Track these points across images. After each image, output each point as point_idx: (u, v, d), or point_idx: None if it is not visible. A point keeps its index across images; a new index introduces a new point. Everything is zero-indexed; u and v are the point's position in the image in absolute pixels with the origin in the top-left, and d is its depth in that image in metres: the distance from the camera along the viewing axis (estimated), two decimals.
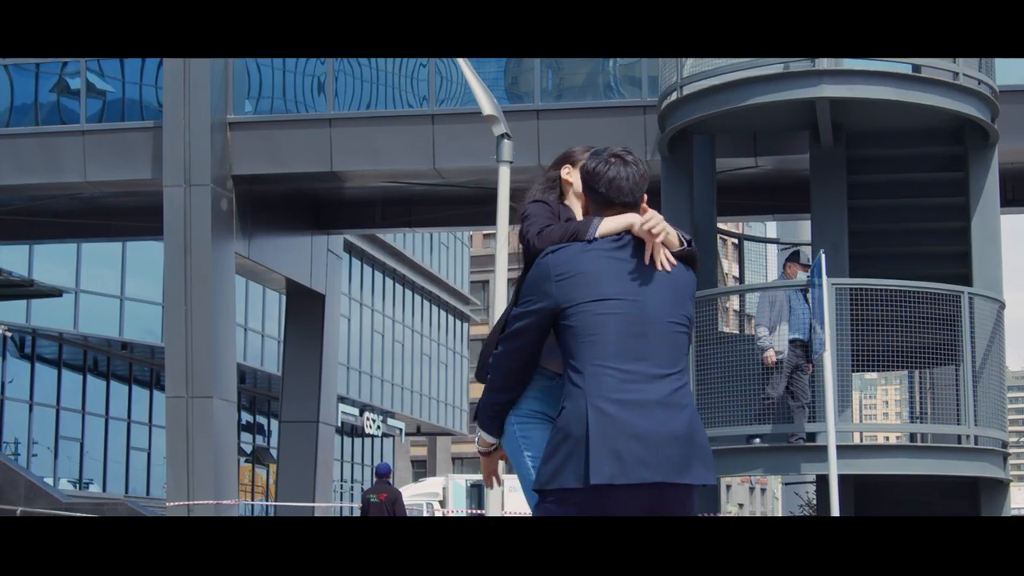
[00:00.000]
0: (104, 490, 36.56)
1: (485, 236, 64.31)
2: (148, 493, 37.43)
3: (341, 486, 46.31)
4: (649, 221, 4.47)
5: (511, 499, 29.59)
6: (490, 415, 4.73)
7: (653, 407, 4.29)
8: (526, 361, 4.60)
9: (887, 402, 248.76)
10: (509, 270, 15.06)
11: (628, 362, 4.34)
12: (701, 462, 4.33)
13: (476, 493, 38.98)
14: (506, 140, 16.33)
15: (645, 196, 4.62)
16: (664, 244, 4.50)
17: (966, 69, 14.46)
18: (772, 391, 14.03)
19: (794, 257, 14.80)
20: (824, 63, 14.16)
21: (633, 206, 4.57)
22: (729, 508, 73.65)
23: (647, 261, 4.46)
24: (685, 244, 4.55)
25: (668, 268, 4.47)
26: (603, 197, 4.58)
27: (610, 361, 4.34)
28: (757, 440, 14.20)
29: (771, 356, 14.04)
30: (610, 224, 4.52)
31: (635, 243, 4.49)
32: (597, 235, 4.50)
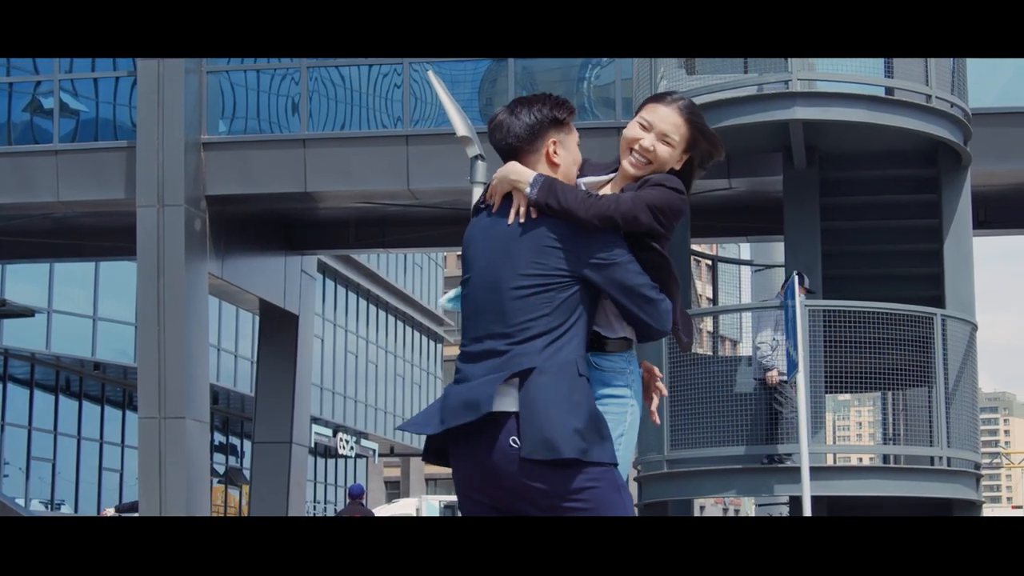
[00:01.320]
0: (76, 511, 36.32)
1: (459, 257, 64.31)
2: None
3: (314, 507, 46.14)
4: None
5: None
6: None
7: (479, 378, 4.12)
8: None
9: (860, 423, 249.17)
10: None
11: (474, 341, 4.21)
12: (527, 431, 4.02)
13: (449, 514, 38.90)
14: (480, 161, 16.28)
15: (552, 142, 4.33)
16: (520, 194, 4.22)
17: (939, 92, 14.50)
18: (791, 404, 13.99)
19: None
20: (797, 85, 14.20)
21: (511, 156, 4.30)
22: None
23: (511, 220, 4.22)
24: (532, 194, 4.19)
25: (522, 220, 4.20)
26: None
27: (464, 343, 4.26)
28: (774, 458, 14.13)
29: (774, 376, 14.04)
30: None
31: (506, 203, 4.26)
32: (486, 201, 4.35)
